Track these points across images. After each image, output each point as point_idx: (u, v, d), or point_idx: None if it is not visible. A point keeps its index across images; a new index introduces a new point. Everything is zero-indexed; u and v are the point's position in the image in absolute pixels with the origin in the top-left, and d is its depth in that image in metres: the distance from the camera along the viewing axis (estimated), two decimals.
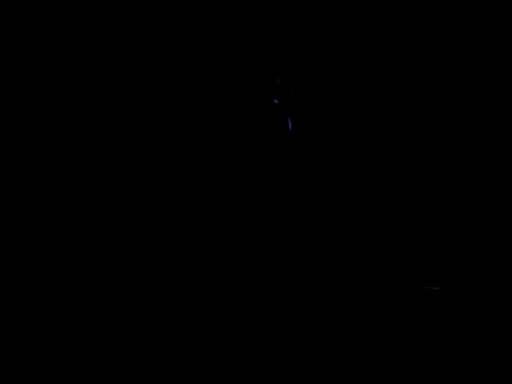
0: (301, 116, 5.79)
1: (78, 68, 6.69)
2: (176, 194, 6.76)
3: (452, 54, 6.68)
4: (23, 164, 6.47)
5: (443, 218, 6.66)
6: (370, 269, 6.50)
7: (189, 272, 6.27)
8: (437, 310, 5.27)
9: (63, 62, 6.63)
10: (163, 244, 6.64)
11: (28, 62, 6.55)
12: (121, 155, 6.76)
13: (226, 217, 6.70)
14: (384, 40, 6.81)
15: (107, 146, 6.74)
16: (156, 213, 6.71)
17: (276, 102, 5.62)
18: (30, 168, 6.48)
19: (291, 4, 6.82)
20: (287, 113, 5.64)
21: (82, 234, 6.43)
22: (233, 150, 6.39)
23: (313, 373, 3.57)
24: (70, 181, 6.61)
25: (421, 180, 6.75)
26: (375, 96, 6.86)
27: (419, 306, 5.44)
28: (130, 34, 6.77)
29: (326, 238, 6.78)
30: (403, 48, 6.77)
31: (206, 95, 7.02)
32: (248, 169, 5.62)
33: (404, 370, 3.61)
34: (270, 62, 5.72)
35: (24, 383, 3.32)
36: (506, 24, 6.49)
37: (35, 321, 4.51)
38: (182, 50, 7.03)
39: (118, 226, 6.63)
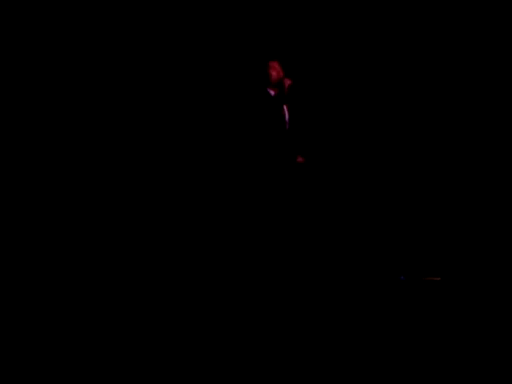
0: (298, 107, 5.75)
1: (74, 68, 6.68)
2: (171, 187, 6.75)
3: (452, 53, 6.68)
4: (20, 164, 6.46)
5: (444, 211, 6.66)
6: (373, 260, 6.50)
7: (188, 272, 6.26)
8: (439, 300, 5.28)
9: (64, 63, 6.61)
10: (162, 243, 6.63)
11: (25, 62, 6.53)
12: (111, 151, 6.75)
13: (222, 209, 6.68)
14: (381, 34, 6.79)
15: (101, 145, 6.73)
16: (151, 208, 6.69)
17: (272, 93, 5.58)
18: (28, 168, 6.47)
19: None
20: (284, 104, 5.60)
21: (81, 233, 6.42)
22: (229, 141, 6.38)
23: (316, 363, 3.57)
24: (70, 181, 6.60)
25: (421, 173, 6.74)
26: (374, 89, 6.85)
27: (421, 297, 5.45)
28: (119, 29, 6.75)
29: (328, 231, 6.77)
30: (398, 40, 6.76)
31: (202, 87, 7.00)
32: (244, 160, 5.58)
33: (407, 360, 3.62)
34: (268, 54, 5.66)
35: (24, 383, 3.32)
36: (506, 24, 6.48)
37: (34, 320, 4.50)
38: (176, 42, 7.01)
39: (117, 226, 6.62)
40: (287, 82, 5.56)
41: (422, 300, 5.31)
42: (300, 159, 5.65)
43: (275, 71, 5.56)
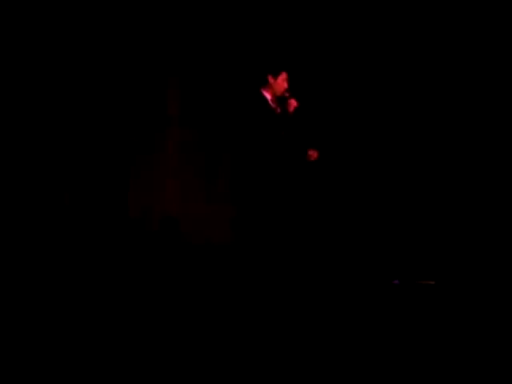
0: (298, 120, 5.71)
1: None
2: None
3: (452, 53, 6.69)
4: None
5: (438, 216, 6.67)
6: (368, 264, 6.52)
7: (188, 272, 6.24)
8: (433, 303, 5.28)
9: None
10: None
11: None
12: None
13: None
14: (383, 44, 6.83)
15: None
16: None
17: (268, 97, 5.54)
18: None
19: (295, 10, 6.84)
20: (285, 122, 5.56)
21: None
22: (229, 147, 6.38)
23: (312, 366, 3.56)
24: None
25: (416, 180, 6.77)
26: (374, 100, 6.88)
27: (416, 300, 5.45)
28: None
29: (325, 237, 6.78)
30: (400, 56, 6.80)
31: (206, 95, 7.01)
32: (243, 166, 5.55)
33: (401, 363, 3.62)
34: (279, 64, 5.61)
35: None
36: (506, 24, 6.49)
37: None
38: (180, 49, 7.02)
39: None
40: (293, 103, 5.49)
41: (416, 304, 5.32)
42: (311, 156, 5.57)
43: (282, 81, 5.50)
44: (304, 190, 6.53)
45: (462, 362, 3.67)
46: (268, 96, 5.47)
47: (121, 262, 6.50)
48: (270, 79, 5.43)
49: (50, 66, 6.66)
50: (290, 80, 5.44)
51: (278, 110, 5.47)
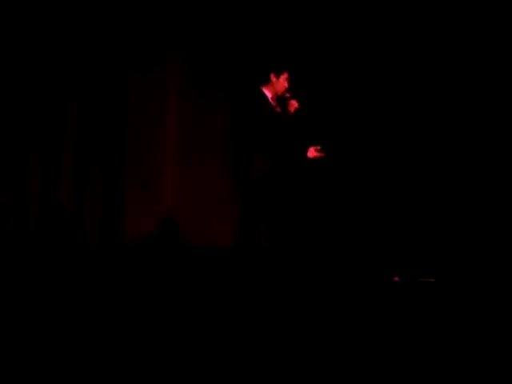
0: (297, 119, 5.71)
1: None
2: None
3: (452, 54, 6.70)
4: None
5: (438, 213, 6.68)
6: (368, 262, 6.53)
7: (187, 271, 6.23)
8: (433, 301, 5.29)
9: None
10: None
11: None
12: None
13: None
14: (381, 46, 6.85)
15: None
16: None
17: (269, 95, 5.54)
18: None
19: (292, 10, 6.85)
20: (286, 122, 5.55)
21: None
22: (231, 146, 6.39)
23: (312, 366, 3.56)
24: None
25: (416, 178, 6.77)
26: (372, 100, 6.89)
27: (416, 298, 5.46)
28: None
29: (326, 234, 6.79)
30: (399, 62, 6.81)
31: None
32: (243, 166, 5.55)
33: (401, 361, 3.62)
34: (267, 65, 5.61)
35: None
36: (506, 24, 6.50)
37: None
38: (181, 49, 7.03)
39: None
40: (294, 104, 5.48)
41: (416, 301, 5.33)
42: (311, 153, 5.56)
43: (284, 80, 5.49)
44: (304, 189, 6.54)
45: (461, 361, 3.67)
46: (268, 94, 5.47)
47: (120, 262, 6.49)
48: (272, 77, 5.43)
49: (40, 58, 6.65)
50: (293, 81, 5.44)
51: (278, 109, 5.46)
